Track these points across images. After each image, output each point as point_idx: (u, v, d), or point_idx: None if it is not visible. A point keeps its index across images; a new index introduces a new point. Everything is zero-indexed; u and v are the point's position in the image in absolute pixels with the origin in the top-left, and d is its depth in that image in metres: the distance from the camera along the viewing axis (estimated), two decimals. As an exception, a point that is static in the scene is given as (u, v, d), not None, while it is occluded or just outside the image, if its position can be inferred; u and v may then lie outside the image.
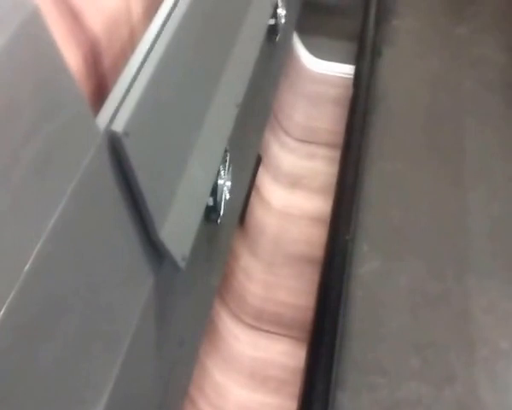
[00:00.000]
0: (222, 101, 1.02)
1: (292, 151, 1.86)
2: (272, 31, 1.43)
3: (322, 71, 2.18)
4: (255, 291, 1.46)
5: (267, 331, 1.42)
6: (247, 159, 1.40)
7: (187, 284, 0.95)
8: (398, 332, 1.49)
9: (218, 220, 1.03)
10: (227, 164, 1.05)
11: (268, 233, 1.60)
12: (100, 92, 0.77)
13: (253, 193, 1.61)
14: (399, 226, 1.70)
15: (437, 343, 1.47)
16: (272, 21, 1.41)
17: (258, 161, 1.68)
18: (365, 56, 2.07)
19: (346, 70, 2.13)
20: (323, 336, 1.31)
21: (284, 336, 1.42)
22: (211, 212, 1.01)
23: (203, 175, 0.94)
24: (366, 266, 1.61)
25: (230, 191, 1.09)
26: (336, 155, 1.79)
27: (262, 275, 1.51)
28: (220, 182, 1.02)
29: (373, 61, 2.08)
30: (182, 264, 0.83)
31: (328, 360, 1.28)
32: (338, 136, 1.85)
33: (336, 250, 1.49)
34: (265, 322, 1.43)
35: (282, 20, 1.48)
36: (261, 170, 1.69)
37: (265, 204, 1.65)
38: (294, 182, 1.77)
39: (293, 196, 1.74)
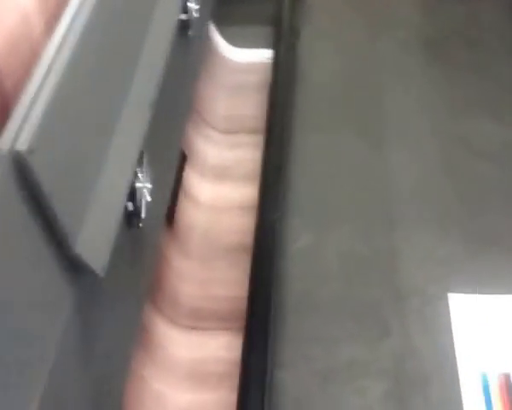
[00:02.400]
0: (134, 102, 1.00)
1: (217, 144, 1.84)
2: (184, 26, 1.40)
3: (242, 59, 2.16)
4: (189, 291, 1.44)
5: (204, 329, 1.40)
6: (168, 158, 1.37)
7: (111, 295, 0.92)
8: (332, 300, 1.51)
9: (140, 224, 1.00)
10: (144, 166, 1.03)
11: (199, 230, 1.58)
12: (2, 114, 0.73)
13: (181, 192, 1.58)
14: (327, 197, 1.73)
15: (371, 303, 1.50)
16: (184, 16, 1.38)
17: (184, 159, 1.65)
18: (282, 39, 2.08)
19: (266, 55, 2.13)
20: (256, 319, 1.31)
21: (222, 329, 1.41)
22: (131, 217, 0.98)
23: (118, 180, 0.91)
24: (297, 243, 1.62)
25: (152, 193, 1.06)
26: (262, 140, 1.79)
27: (196, 273, 1.49)
28: (138, 185, 0.99)
29: (291, 42, 2.09)
30: (101, 272, 0.80)
31: (262, 341, 1.29)
32: (262, 122, 1.85)
33: (264, 231, 1.50)
34: (202, 320, 1.42)
35: (195, 14, 1.45)
36: (187, 168, 1.67)
37: (194, 202, 1.62)
38: (221, 174, 1.75)
39: (221, 188, 1.72)
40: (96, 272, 0.80)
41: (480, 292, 1.52)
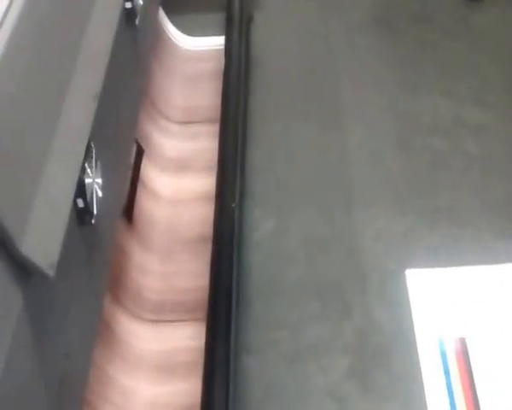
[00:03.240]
0: (77, 95, 0.98)
1: (174, 135, 1.82)
2: (130, 14, 1.38)
3: (196, 47, 2.14)
4: (153, 285, 1.43)
5: (170, 321, 1.39)
6: (122, 152, 1.35)
7: (64, 294, 0.90)
8: (296, 283, 1.54)
9: (92, 221, 0.98)
10: (93, 160, 1.01)
11: (160, 224, 1.56)
12: None
13: (139, 186, 1.57)
14: (286, 182, 1.75)
15: (333, 283, 1.54)
16: (129, 5, 1.36)
17: (140, 153, 1.63)
18: (234, 25, 2.06)
19: (220, 42, 2.11)
20: (219, 307, 1.31)
21: (188, 320, 1.40)
22: (83, 213, 0.97)
23: (64, 176, 0.89)
24: (258, 230, 1.63)
25: (105, 189, 1.04)
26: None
27: (158, 267, 1.48)
28: (88, 181, 0.97)
29: (243, 28, 2.08)
30: (50, 272, 0.79)
31: (226, 328, 1.29)
32: (219, 111, 1.83)
33: (224, 220, 1.50)
34: (167, 313, 1.41)
35: (141, 2, 1.43)
36: (145, 161, 1.65)
37: (153, 195, 1.61)
38: (181, 166, 1.74)
39: (181, 180, 1.71)
40: (45, 273, 0.78)
41: (438, 265, 1.55)
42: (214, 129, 1.83)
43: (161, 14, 2.10)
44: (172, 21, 2.15)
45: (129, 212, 1.49)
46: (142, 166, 1.63)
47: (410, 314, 1.48)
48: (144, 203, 1.57)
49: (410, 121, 1.88)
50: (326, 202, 1.68)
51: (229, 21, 2.10)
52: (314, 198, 1.70)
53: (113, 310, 1.29)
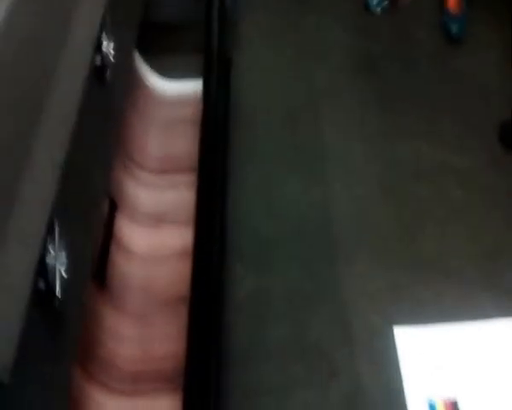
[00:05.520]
0: (39, 165, 0.91)
1: (150, 186, 1.75)
2: (100, 70, 1.32)
3: (173, 91, 2.08)
4: (127, 352, 1.34)
5: (146, 392, 1.31)
6: (92, 210, 1.28)
7: (26, 388, 0.83)
8: (279, 345, 1.49)
9: (57, 303, 0.91)
10: (56, 236, 0.94)
11: (135, 284, 1.49)
12: None
13: (112, 244, 1.49)
14: (269, 236, 1.70)
15: (318, 343, 1.49)
16: (98, 62, 1.30)
17: (113, 208, 1.56)
18: (213, 68, 2.01)
19: (197, 86, 2.05)
20: (197, 375, 1.24)
21: (165, 390, 1.32)
22: (45, 296, 0.89)
23: (23, 259, 0.82)
24: (239, 288, 1.58)
25: (71, 262, 0.97)
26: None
27: (133, 331, 1.40)
28: (49, 261, 0.90)
29: (222, 71, 2.03)
30: (3, 376, 0.71)
31: (205, 398, 1.21)
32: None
33: (203, 280, 1.42)
34: (144, 382, 1.32)
35: (111, 57, 1.37)
36: (119, 216, 1.57)
37: (127, 253, 1.53)
38: (157, 219, 1.67)
39: (157, 235, 1.63)
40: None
41: (425, 320, 1.50)
42: (193, 178, 1.77)
43: (137, 57, 2.04)
44: (149, 64, 2.09)
45: (101, 273, 1.42)
46: (116, 221, 1.56)
47: (399, 373, 1.43)
48: (117, 262, 1.49)
49: (394, 168, 1.84)
50: (309, 257, 1.63)
51: (207, 65, 2.04)
52: (297, 253, 1.65)
53: (84, 385, 1.21)
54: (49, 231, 0.92)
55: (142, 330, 1.41)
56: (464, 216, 1.73)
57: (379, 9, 2.47)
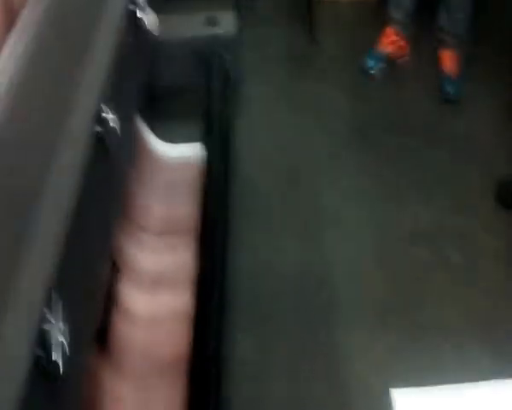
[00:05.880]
0: (40, 235, 0.94)
1: (152, 248, 1.78)
2: (102, 139, 1.35)
3: (175, 155, 2.13)
4: (126, 418, 1.35)
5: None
6: (94, 274, 1.30)
7: None
8: (278, 405, 1.51)
9: (57, 372, 0.92)
10: (56, 304, 0.95)
11: (135, 346, 1.50)
12: None
13: (114, 307, 1.51)
14: (268, 299, 1.72)
15: (316, 404, 1.51)
16: (100, 130, 1.34)
17: (116, 272, 1.58)
18: (214, 131, 2.06)
19: (199, 149, 2.10)
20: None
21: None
22: (45, 366, 0.91)
23: (22, 332, 0.84)
24: (238, 351, 1.58)
25: (71, 330, 0.99)
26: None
27: (133, 394, 1.41)
28: (50, 330, 0.91)
29: (223, 135, 2.07)
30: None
31: None
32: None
33: (201, 343, 1.43)
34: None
35: (113, 125, 1.41)
36: (120, 279, 1.60)
37: (129, 316, 1.55)
38: (158, 281, 1.69)
39: (158, 297, 1.65)
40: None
41: (423, 382, 1.50)
42: (194, 240, 1.80)
43: (139, 122, 2.10)
44: (150, 128, 2.14)
45: (102, 336, 1.43)
46: (118, 284, 1.58)
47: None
48: (118, 324, 1.51)
49: (392, 231, 1.87)
50: (308, 319, 1.64)
51: (208, 128, 2.10)
52: (296, 314, 1.66)
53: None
54: (49, 300, 0.94)
55: (141, 393, 1.41)
56: (462, 278, 1.74)
57: (376, 72, 2.54)
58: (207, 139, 2.03)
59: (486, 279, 1.73)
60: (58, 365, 0.92)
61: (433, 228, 1.88)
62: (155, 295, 1.65)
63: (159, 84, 2.24)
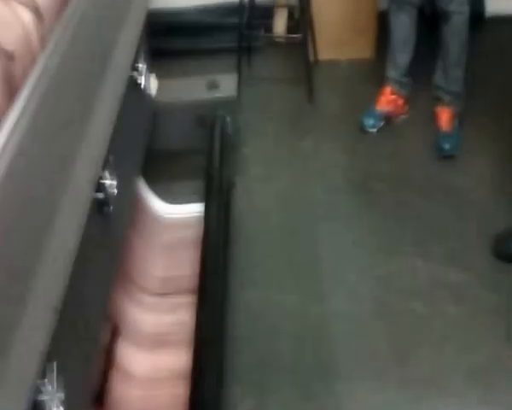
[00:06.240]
0: (38, 301, 0.97)
1: (152, 309, 1.80)
2: (102, 205, 1.40)
3: (176, 215, 2.17)
4: None
5: None
6: (93, 336, 1.32)
7: None
8: None
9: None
10: (54, 374, 0.97)
11: (133, 407, 1.51)
12: None
13: (113, 369, 1.53)
14: (267, 356, 1.72)
15: None
16: (101, 195, 1.38)
17: (115, 333, 1.61)
18: (213, 191, 2.09)
19: (199, 209, 2.14)
20: None
21: None
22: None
23: (18, 399, 0.86)
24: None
25: (69, 396, 1.00)
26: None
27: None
28: (46, 399, 0.93)
29: (224, 194, 2.12)
30: None
31: None
32: (200, 280, 1.83)
33: (201, 403, 1.43)
34: None
35: (113, 190, 1.44)
36: (120, 339, 1.62)
37: (127, 377, 1.56)
38: (158, 341, 1.71)
39: (158, 358, 1.67)
40: None
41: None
42: (193, 300, 1.82)
43: (140, 183, 2.14)
44: (151, 189, 2.19)
45: (100, 397, 1.45)
46: (117, 344, 1.60)
47: None
48: (116, 385, 1.52)
49: (390, 284, 1.89)
50: (307, 375, 1.65)
51: (208, 189, 2.14)
52: (295, 372, 1.67)
53: None
54: (45, 369, 0.95)
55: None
56: (460, 332, 1.74)
57: (375, 130, 2.59)
58: (207, 199, 2.07)
59: (483, 332, 1.74)
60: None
61: (430, 281, 1.90)
62: (154, 355, 1.66)
63: (160, 146, 2.31)
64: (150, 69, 2.19)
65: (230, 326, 1.76)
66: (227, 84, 2.46)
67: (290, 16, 3.18)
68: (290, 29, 3.15)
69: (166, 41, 3.00)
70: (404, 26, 2.53)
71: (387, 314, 1.81)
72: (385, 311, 1.82)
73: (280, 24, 3.21)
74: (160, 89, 2.34)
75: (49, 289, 1.01)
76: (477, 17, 2.78)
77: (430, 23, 2.62)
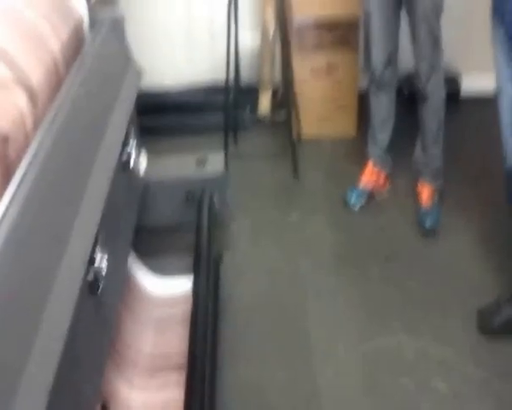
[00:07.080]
0: (29, 383, 0.97)
1: (142, 386, 1.80)
2: (93, 284, 1.41)
3: (165, 291, 2.19)
4: None
5: None
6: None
7: None
8: None
9: None
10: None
11: None
12: None
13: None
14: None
15: None
16: (91, 276, 1.40)
17: (105, 408, 1.59)
18: (202, 266, 2.12)
19: (189, 284, 2.16)
20: None
21: None
22: None
23: None
24: None
25: None
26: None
27: None
28: None
29: (212, 268, 2.14)
30: None
31: None
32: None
33: None
34: None
35: (103, 270, 1.46)
36: (109, 417, 1.61)
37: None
38: (148, 421, 1.70)
39: (147, 436, 1.65)
40: None
41: None
42: (183, 377, 1.81)
43: (131, 259, 2.17)
44: (141, 264, 2.21)
45: None
46: (107, 425, 1.58)
47: None
48: None
49: (378, 360, 1.90)
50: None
51: (197, 264, 2.17)
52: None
53: None
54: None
55: None
56: (448, 407, 1.75)
57: (357, 207, 2.66)
58: (196, 275, 2.10)
59: (471, 407, 1.75)
60: None
61: (417, 356, 1.92)
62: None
63: (150, 222, 2.35)
64: (140, 146, 2.25)
65: (221, 403, 1.76)
66: (215, 162, 2.52)
67: (274, 95, 3.30)
68: (274, 108, 3.26)
69: (155, 119, 3.09)
70: (383, 106, 2.63)
71: (376, 390, 1.82)
72: (373, 386, 1.83)
73: (264, 103, 3.32)
74: (149, 165, 2.40)
75: (42, 368, 1.02)
76: (452, 97, 2.90)
77: (409, 103, 2.73)
